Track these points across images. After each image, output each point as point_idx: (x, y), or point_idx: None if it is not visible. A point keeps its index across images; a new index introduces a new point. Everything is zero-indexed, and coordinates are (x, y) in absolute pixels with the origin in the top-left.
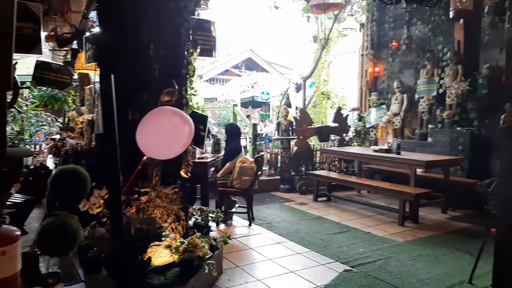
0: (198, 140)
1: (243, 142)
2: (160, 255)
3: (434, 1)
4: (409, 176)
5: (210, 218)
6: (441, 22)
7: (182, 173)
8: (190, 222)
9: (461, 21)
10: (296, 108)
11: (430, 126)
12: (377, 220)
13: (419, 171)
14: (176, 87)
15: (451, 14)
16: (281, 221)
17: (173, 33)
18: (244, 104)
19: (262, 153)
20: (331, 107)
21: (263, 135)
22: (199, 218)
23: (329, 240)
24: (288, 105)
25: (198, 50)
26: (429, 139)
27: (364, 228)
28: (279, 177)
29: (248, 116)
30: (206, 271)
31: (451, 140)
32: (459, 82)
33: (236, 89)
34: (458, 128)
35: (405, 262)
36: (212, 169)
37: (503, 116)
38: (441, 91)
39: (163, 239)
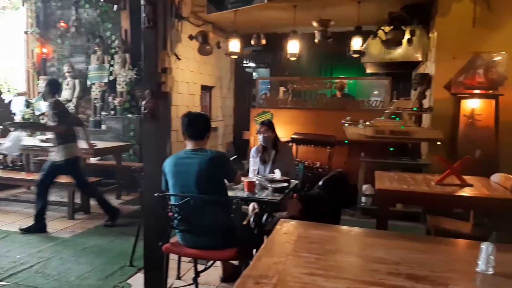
0: None
1: None
2: None
3: None
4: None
5: None
6: (109, 8)
7: None
8: None
9: (126, 9)
10: None
11: (103, 113)
12: None
13: (93, 159)
14: None
15: None
16: None
17: None
18: None
19: None
20: None
21: None
22: None
23: None
24: None
25: None
26: (103, 126)
27: None
28: None
29: None
30: None
31: (123, 126)
32: (127, 70)
33: None
34: (129, 115)
35: (67, 259)
36: None
37: (143, 102)
38: (112, 78)
39: None
